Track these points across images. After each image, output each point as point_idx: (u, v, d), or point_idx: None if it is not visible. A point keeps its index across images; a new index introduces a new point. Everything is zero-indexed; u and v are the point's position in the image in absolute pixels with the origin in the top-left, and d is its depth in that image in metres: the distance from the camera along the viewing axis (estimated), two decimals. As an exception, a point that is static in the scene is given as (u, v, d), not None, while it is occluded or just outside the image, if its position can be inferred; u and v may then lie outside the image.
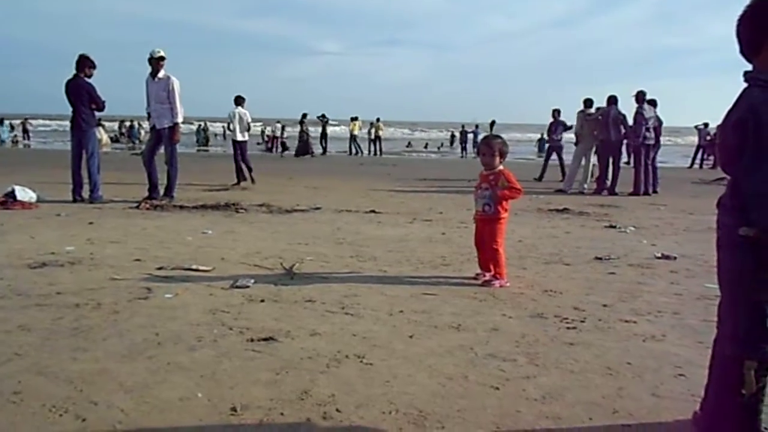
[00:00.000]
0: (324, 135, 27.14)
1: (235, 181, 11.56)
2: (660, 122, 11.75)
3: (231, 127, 12.28)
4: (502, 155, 4.37)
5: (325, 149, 26.84)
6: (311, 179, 13.12)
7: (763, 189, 1.77)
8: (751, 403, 1.92)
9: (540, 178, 14.03)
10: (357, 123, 28.41)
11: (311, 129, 25.47)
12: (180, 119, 8.49)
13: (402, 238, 6.04)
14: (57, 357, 2.77)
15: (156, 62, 8.37)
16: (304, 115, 24.50)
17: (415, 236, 6.20)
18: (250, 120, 12.32)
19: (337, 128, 37.45)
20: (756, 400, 1.92)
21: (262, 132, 37.18)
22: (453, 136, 40.21)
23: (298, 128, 25.28)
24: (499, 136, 4.62)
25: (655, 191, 11.48)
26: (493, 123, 24.53)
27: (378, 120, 28.90)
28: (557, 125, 14.90)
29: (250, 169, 11.79)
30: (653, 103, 11.62)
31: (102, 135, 33.33)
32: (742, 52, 1.92)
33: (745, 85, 1.90)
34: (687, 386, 2.58)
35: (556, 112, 15.12)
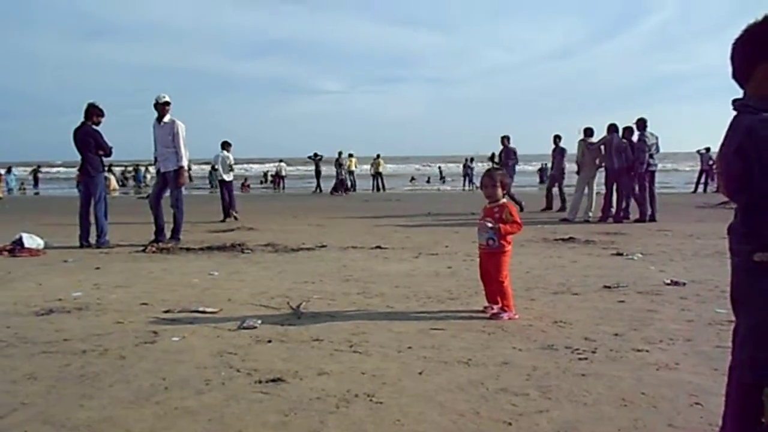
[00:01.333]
0: (318, 173, 27.45)
1: (222, 217, 12.70)
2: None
3: (216, 167, 14.20)
4: (504, 186, 4.40)
5: (319, 187, 26.93)
6: (316, 217, 13.16)
7: None
8: None
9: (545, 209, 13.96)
10: (353, 160, 28.98)
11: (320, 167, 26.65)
12: (185, 163, 8.58)
13: (408, 274, 6.02)
14: (63, 405, 2.74)
15: (161, 107, 8.50)
16: (340, 154, 26.70)
17: (421, 271, 6.17)
18: (232, 162, 13.77)
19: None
20: None
21: (265, 174, 37.89)
22: (440, 169, 41.03)
23: (332, 166, 27.12)
24: (499, 168, 4.65)
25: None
26: (493, 156, 24.51)
27: (378, 156, 29.27)
28: (508, 152, 14.34)
29: (232, 207, 13.07)
30: (631, 130, 11.61)
31: (111, 179, 33.77)
32: (735, 76, 1.93)
33: (734, 113, 1.91)
34: (704, 415, 2.53)
35: (505, 139, 14.41)
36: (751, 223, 1.85)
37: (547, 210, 14.02)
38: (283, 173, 34.10)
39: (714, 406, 2.60)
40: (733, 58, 1.92)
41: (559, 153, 14.51)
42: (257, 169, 50.82)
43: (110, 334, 3.89)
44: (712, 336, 3.67)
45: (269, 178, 36.99)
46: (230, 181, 13.42)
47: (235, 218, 12.55)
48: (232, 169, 13.63)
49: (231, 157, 13.59)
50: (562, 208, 13.61)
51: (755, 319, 1.90)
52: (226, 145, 13.70)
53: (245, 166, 55.21)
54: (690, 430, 2.40)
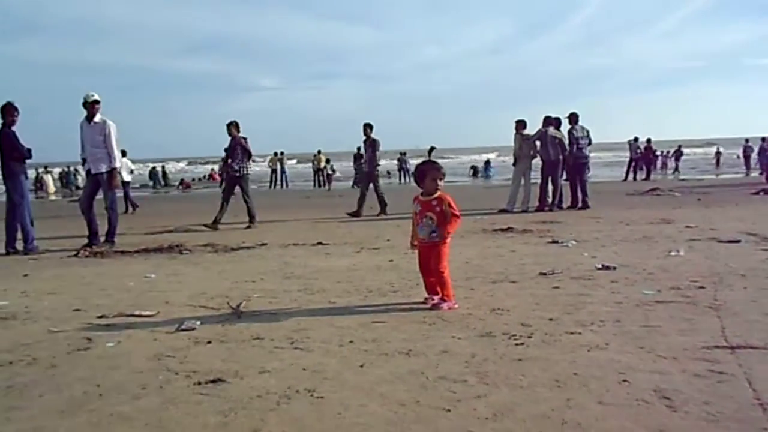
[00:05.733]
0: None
1: (126, 210, 14.80)
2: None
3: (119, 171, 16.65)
4: (442, 179, 4.46)
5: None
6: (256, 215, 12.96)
7: None
8: None
9: (356, 213, 11.88)
10: (322, 156, 29.11)
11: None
12: (117, 164, 8.33)
13: (350, 268, 6.03)
14: (-10, 419, 2.62)
15: (91, 106, 8.19)
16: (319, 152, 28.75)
17: (363, 265, 6.20)
18: (132, 166, 17.10)
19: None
20: None
21: (203, 175, 37.76)
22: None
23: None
24: (434, 161, 4.74)
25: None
26: (431, 149, 24.61)
27: (319, 152, 29.24)
28: (369, 145, 12.21)
29: (134, 205, 15.64)
30: (559, 120, 12.15)
31: (49, 182, 32.33)
32: None
33: None
34: (630, 391, 2.65)
35: (368, 128, 12.18)
36: None
37: (357, 215, 11.82)
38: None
39: (640, 382, 2.75)
40: None
41: (370, 145, 12.28)
42: (200, 170, 49.95)
43: (40, 343, 3.74)
44: (639, 316, 3.85)
45: (206, 177, 36.76)
46: (128, 182, 16.00)
47: (133, 211, 15.14)
48: (132, 172, 17.05)
49: (130, 162, 16.50)
50: (382, 211, 12.01)
51: None
52: (124, 153, 15.92)
53: (184, 166, 54.07)
54: (618, 406, 2.51)
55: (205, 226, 10.42)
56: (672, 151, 32.78)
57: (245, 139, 10.86)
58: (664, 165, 32.44)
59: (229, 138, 10.95)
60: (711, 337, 3.37)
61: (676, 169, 30.47)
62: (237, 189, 10.95)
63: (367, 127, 12.20)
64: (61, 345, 3.69)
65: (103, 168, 8.22)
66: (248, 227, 10.39)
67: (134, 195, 16.97)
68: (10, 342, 3.78)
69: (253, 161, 12.59)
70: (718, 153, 35.43)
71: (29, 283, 5.84)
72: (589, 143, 12.34)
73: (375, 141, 12.17)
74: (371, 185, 12.26)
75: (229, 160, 10.98)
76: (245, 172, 10.86)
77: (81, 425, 2.51)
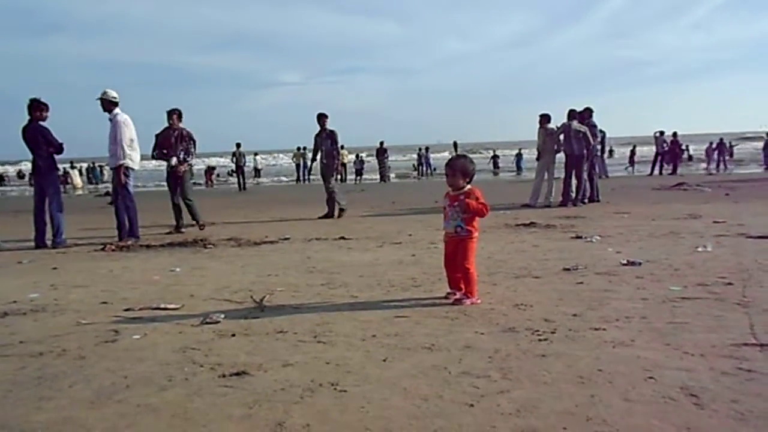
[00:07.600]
0: (239, 168, 26.47)
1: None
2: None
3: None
4: (465, 174, 4.35)
5: (242, 185, 25.71)
6: (279, 210, 13.07)
7: None
8: None
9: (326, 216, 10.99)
10: (345, 152, 29.35)
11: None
12: (123, 160, 8.22)
13: (372, 263, 6.04)
14: (20, 408, 2.68)
15: (100, 103, 8.28)
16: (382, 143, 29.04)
17: (385, 260, 6.20)
18: None
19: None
20: None
21: (233, 170, 38.33)
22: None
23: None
24: (462, 156, 4.66)
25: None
26: (455, 144, 24.59)
27: (342, 147, 29.38)
28: (326, 136, 10.95)
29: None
30: (583, 116, 12.27)
31: (76, 178, 32.89)
32: None
33: None
34: (656, 388, 2.62)
35: (323, 117, 10.88)
36: None
37: (328, 217, 10.93)
38: (259, 166, 34.52)
39: (666, 379, 2.71)
40: None
41: (328, 137, 11.01)
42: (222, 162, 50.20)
43: (69, 335, 3.82)
44: (665, 313, 3.79)
45: (230, 172, 37.15)
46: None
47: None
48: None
49: None
50: (334, 213, 10.99)
51: None
52: None
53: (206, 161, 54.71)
54: (643, 403, 2.48)
55: (171, 231, 9.39)
56: (715, 144, 31.27)
57: (186, 130, 9.58)
58: (710, 158, 30.82)
59: (319, 128, 10.66)
60: (739, 335, 3.31)
61: (719, 164, 28.97)
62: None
63: (323, 117, 10.89)
64: (89, 337, 3.76)
65: (113, 163, 8.34)
66: (201, 228, 9.47)
67: (159, 190, 17.00)
68: (40, 333, 3.87)
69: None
70: (730, 146, 34.71)
71: (58, 276, 5.95)
72: (603, 138, 12.41)
73: (333, 132, 10.94)
74: (332, 179, 11.05)
75: (169, 155, 9.46)
76: (186, 168, 9.61)
77: (109, 416, 2.56)
